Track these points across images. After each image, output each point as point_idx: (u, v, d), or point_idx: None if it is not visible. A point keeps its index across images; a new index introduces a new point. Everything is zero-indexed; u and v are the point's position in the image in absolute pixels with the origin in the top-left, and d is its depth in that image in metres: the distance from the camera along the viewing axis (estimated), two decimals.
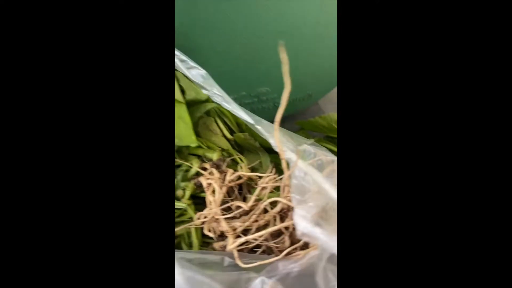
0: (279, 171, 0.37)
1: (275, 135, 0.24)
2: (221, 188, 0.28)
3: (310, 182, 0.22)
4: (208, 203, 0.31)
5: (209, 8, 0.36)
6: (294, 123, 0.57)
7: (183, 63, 0.30)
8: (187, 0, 0.33)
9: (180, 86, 0.32)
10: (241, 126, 0.39)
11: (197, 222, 0.29)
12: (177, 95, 0.30)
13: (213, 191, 0.31)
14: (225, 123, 0.38)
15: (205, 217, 0.28)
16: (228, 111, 0.38)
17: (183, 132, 0.30)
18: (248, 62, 0.44)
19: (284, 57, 0.20)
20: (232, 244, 0.25)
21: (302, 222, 0.19)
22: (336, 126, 0.51)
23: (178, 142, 0.30)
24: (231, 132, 0.38)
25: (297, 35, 0.43)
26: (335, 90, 0.60)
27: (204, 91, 0.29)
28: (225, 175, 0.30)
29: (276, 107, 0.54)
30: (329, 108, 0.65)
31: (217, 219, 0.28)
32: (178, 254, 0.26)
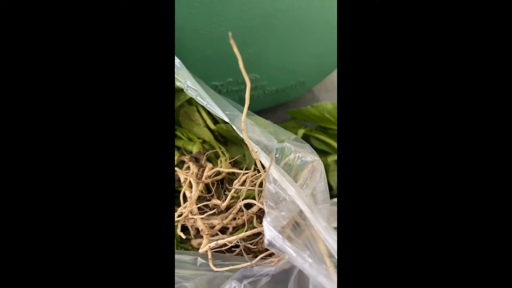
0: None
1: (244, 137, 0.22)
2: (198, 184, 0.27)
3: (286, 190, 0.20)
4: (182, 199, 0.30)
5: None
6: (285, 112, 0.54)
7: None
8: None
9: None
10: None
11: (177, 218, 0.28)
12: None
13: (191, 186, 0.29)
14: (208, 113, 0.36)
15: (180, 214, 0.26)
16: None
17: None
18: (237, 46, 0.41)
19: (236, 51, 0.18)
20: (205, 245, 0.24)
21: (271, 232, 0.17)
22: (328, 116, 0.48)
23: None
24: (215, 122, 0.36)
25: (288, 17, 0.40)
26: (330, 77, 0.58)
27: (177, 83, 0.27)
28: (203, 170, 0.29)
29: (266, 95, 0.51)
30: (324, 97, 0.62)
31: (190, 215, 0.27)
32: None
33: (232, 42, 0.18)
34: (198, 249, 0.29)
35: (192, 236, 0.30)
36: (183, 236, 0.27)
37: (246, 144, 0.36)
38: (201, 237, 0.30)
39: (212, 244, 0.24)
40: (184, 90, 0.27)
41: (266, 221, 0.19)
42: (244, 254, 0.23)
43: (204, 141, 0.34)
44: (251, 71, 0.45)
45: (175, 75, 0.27)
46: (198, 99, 0.27)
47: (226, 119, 0.26)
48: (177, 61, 0.28)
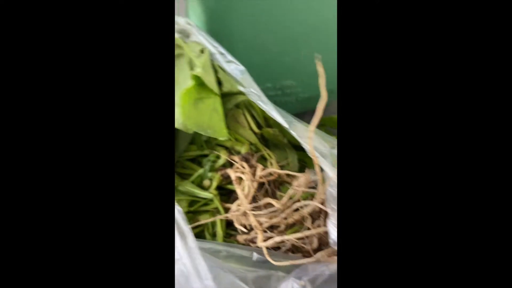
0: (304, 168, 0.37)
1: (309, 144, 0.24)
2: (252, 183, 0.29)
3: None
4: (237, 197, 0.32)
5: None
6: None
7: (222, 56, 0.30)
8: None
9: (218, 78, 0.31)
10: (269, 120, 0.39)
11: (229, 214, 0.30)
12: (214, 87, 0.30)
13: (242, 185, 0.31)
14: (252, 117, 0.38)
15: (236, 211, 0.28)
16: (257, 105, 0.38)
17: (216, 124, 0.30)
18: (276, 54, 0.43)
19: (320, 70, 0.20)
20: (262, 240, 0.26)
21: (336, 231, 0.19)
22: None
23: (211, 133, 0.30)
24: (258, 126, 0.38)
25: (322, 29, 0.42)
26: None
27: (241, 88, 0.29)
28: (255, 170, 0.31)
29: (298, 102, 0.53)
30: None
31: (245, 213, 0.29)
32: (205, 245, 0.27)
33: (318, 63, 0.20)
34: (244, 244, 0.31)
35: (240, 232, 0.31)
36: (245, 230, 0.29)
37: (289, 148, 0.38)
38: (247, 234, 0.31)
39: (272, 241, 0.25)
40: (247, 94, 0.29)
41: (331, 222, 0.21)
42: (300, 249, 0.25)
43: (250, 143, 0.36)
44: (287, 78, 0.47)
45: (240, 81, 0.29)
46: (259, 103, 0.28)
47: (285, 125, 0.28)
48: (242, 68, 0.30)
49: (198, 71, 0.28)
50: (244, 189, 0.30)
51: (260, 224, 0.30)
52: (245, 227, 0.30)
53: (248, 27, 0.36)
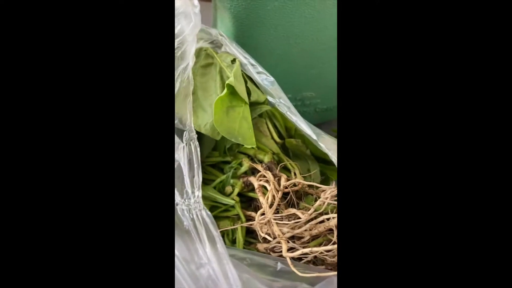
0: (326, 181, 0.38)
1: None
2: (278, 192, 0.29)
3: None
4: (258, 205, 0.32)
5: (272, 9, 0.36)
6: (330, 129, 0.57)
7: (253, 67, 0.30)
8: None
9: (247, 88, 0.32)
10: (290, 131, 0.40)
11: (254, 222, 0.30)
12: (245, 96, 0.30)
13: (264, 193, 0.31)
14: (275, 127, 0.39)
15: (261, 219, 0.28)
16: (280, 115, 0.39)
17: (246, 132, 0.30)
18: (301, 66, 0.44)
19: None
20: (285, 251, 0.26)
21: None
22: None
23: (240, 140, 0.30)
24: (280, 136, 0.39)
25: None
26: None
27: (270, 99, 0.30)
28: (279, 179, 0.31)
29: (316, 112, 0.54)
30: None
31: (268, 221, 0.29)
32: (229, 251, 0.27)
33: None
34: (264, 253, 0.31)
35: (260, 240, 0.31)
36: (269, 239, 0.29)
37: (311, 160, 0.38)
38: (267, 242, 0.32)
39: (298, 252, 0.26)
40: (276, 105, 0.29)
41: None
42: (324, 260, 0.25)
43: (273, 153, 0.36)
44: (310, 90, 0.48)
45: (270, 91, 0.30)
46: (288, 115, 0.29)
47: (314, 136, 0.28)
48: (271, 79, 0.30)
49: (231, 80, 0.28)
50: (268, 198, 0.30)
51: (283, 234, 0.30)
52: (267, 236, 0.31)
53: (276, 40, 0.37)
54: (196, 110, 0.30)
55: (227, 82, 0.28)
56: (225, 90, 0.28)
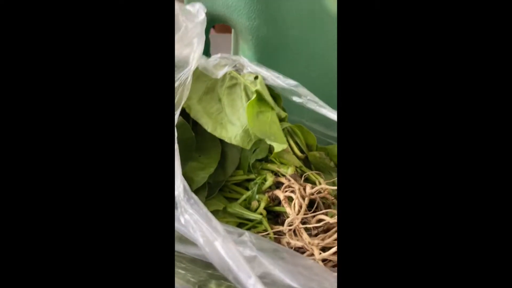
0: None
1: None
2: (303, 199, 0.29)
3: None
4: (285, 218, 0.31)
5: (293, 38, 0.39)
6: None
7: (276, 77, 0.33)
8: (275, 22, 0.36)
9: (273, 97, 0.34)
10: (312, 147, 0.40)
11: (282, 228, 0.29)
12: (272, 102, 0.33)
13: (290, 204, 0.31)
14: (295, 143, 0.39)
15: (289, 229, 0.28)
16: (300, 131, 0.40)
17: (277, 133, 0.32)
18: (321, 87, 0.46)
19: None
20: (319, 256, 0.25)
21: None
22: None
23: (273, 140, 0.31)
24: (301, 151, 0.39)
25: None
26: None
27: (297, 99, 0.32)
28: (304, 188, 0.31)
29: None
30: None
31: (295, 232, 0.28)
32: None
33: None
34: None
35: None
36: (300, 245, 0.28)
37: (335, 172, 0.38)
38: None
39: (331, 264, 0.24)
40: (304, 103, 0.31)
41: None
42: None
43: (295, 166, 0.36)
44: None
45: (296, 91, 0.32)
46: (318, 109, 0.31)
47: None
48: (295, 83, 0.33)
49: (258, 87, 0.30)
50: (295, 206, 0.30)
51: (312, 245, 0.29)
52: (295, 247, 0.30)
53: (296, 64, 0.39)
54: (225, 126, 0.32)
55: (255, 89, 0.30)
56: (254, 96, 0.30)
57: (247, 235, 0.23)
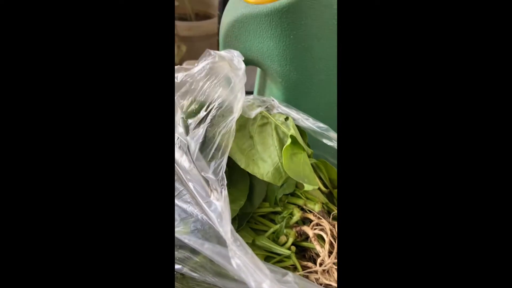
0: None
1: None
2: (335, 240, 0.30)
3: None
4: (312, 254, 0.33)
5: (318, 82, 0.41)
6: None
7: (306, 120, 0.35)
8: (305, 68, 0.39)
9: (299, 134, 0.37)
10: (334, 182, 0.42)
11: (314, 269, 0.30)
12: (303, 144, 0.35)
13: (319, 242, 0.33)
14: (320, 178, 0.41)
15: (322, 269, 0.29)
16: (324, 166, 0.41)
17: (309, 175, 0.33)
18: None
19: None
20: None
21: None
22: None
23: (306, 181, 0.33)
24: (325, 186, 0.41)
25: None
26: None
27: (328, 141, 0.34)
28: (334, 227, 0.32)
29: None
30: None
31: (329, 270, 0.30)
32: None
33: None
34: None
35: None
36: (331, 283, 0.29)
37: None
38: None
39: None
40: (334, 146, 0.33)
41: None
42: None
43: (322, 202, 0.38)
44: None
45: (327, 134, 0.34)
46: None
47: None
48: (325, 126, 0.35)
49: (292, 131, 0.32)
50: (326, 246, 0.31)
51: None
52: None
53: (320, 105, 0.42)
54: (257, 162, 0.34)
55: (289, 133, 0.32)
56: (289, 140, 0.32)
57: (290, 276, 0.25)
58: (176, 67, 0.34)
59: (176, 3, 0.88)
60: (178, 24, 0.85)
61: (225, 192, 0.25)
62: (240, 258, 0.22)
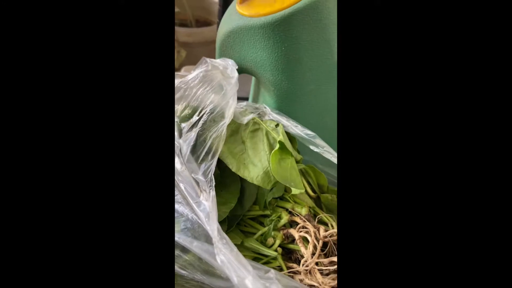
0: None
1: None
2: (318, 241, 0.32)
3: None
4: (297, 256, 0.34)
5: (309, 91, 0.43)
6: None
7: (295, 127, 0.37)
8: (296, 78, 0.41)
9: (289, 140, 0.38)
10: (323, 187, 0.43)
11: (297, 269, 0.32)
12: (291, 150, 0.36)
13: (305, 244, 0.34)
14: (308, 183, 0.43)
15: (304, 269, 0.31)
16: (313, 172, 0.43)
17: (296, 179, 0.35)
18: (335, 133, 0.50)
19: None
20: None
21: None
22: None
23: (293, 185, 0.35)
24: (313, 191, 0.42)
25: None
26: None
27: (314, 148, 0.36)
28: (318, 230, 0.34)
29: None
30: None
31: (310, 272, 0.31)
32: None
33: None
34: None
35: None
36: (313, 283, 0.31)
37: None
38: None
39: None
40: (321, 153, 0.35)
41: None
42: None
43: (309, 206, 0.40)
44: None
45: (314, 141, 0.35)
46: (332, 158, 0.34)
47: None
48: (312, 134, 0.37)
49: (281, 137, 0.34)
50: (309, 247, 0.33)
51: (325, 283, 0.31)
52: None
53: (312, 114, 0.43)
54: (247, 166, 0.36)
55: (278, 139, 0.34)
56: (277, 145, 0.34)
57: (272, 272, 0.26)
58: None
59: (177, 10, 0.90)
60: (179, 30, 0.87)
61: (213, 192, 0.27)
62: (224, 255, 0.24)
